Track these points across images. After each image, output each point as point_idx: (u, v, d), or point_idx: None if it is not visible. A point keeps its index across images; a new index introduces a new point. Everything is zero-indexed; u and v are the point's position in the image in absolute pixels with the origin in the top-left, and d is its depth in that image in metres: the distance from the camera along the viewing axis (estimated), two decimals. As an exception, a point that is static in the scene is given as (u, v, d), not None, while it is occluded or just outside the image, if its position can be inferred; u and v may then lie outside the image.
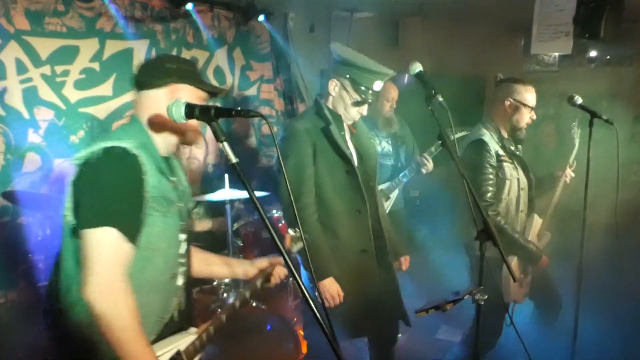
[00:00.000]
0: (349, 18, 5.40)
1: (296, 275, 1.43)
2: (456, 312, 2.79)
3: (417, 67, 2.45)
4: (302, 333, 3.38)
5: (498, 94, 3.13)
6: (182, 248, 1.87)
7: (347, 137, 2.80)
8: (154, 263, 1.72)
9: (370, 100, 2.67)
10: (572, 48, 3.97)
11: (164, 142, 1.78)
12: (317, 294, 2.54)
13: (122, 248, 1.58)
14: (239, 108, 1.49)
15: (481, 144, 3.01)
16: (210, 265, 2.16)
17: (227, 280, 3.23)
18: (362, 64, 2.63)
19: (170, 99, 1.66)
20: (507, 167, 3.04)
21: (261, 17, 4.77)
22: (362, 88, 2.63)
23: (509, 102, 3.05)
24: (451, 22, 5.19)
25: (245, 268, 2.15)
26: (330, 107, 2.73)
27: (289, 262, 1.43)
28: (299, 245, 2.15)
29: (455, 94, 2.40)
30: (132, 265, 1.64)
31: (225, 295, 3.21)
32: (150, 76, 1.75)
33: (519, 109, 3.05)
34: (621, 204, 3.01)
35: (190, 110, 1.52)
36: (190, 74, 1.77)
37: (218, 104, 1.62)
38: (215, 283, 3.24)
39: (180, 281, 1.86)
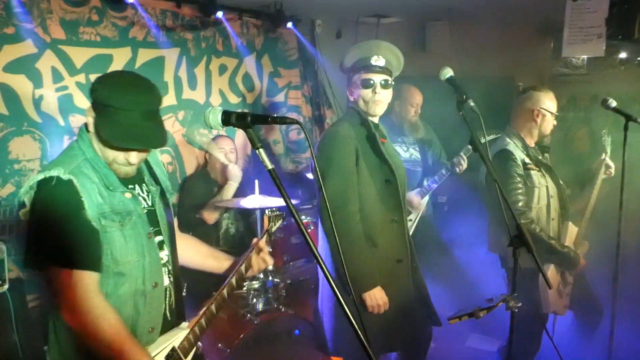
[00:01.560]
0: (376, 23, 5.40)
1: (332, 283, 1.41)
2: (487, 320, 2.78)
3: (448, 72, 2.44)
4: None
5: (522, 104, 3.12)
6: (161, 252, 1.86)
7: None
8: (130, 277, 1.73)
9: (375, 79, 2.62)
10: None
11: (114, 152, 1.72)
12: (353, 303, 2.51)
13: (80, 279, 1.60)
14: (275, 115, 1.51)
15: (507, 154, 3.01)
16: (205, 258, 2.20)
17: (255, 286, 3.25)
18: (352, 52, 2.67)
19: (88, 119, 1.69)
20: (535, 175, 3.01)
21: (289, 24, 4.82)
22: (362, 66, 2.62)
23: (536, 112, 3.06)
24: (478, 25, 5.16)
25: (221, 265, 2.19)
26: (373, 109, 2.68)
27: (325, 270, 1.42)
28: (278, 223, 2.27)
29: (483, 98, 2.39)
30: (106, 284, 1.68)
31: (254, 300, 3.23)
32: (96, 90, 1.67)
33: (545, 116, 3.07)
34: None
35: (227, 118, 1.53)
36: (105, 105, 1.64)
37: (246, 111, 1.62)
38: (245, 289, 3.26)
39: (166, 282, 1.86)
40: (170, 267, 1.91)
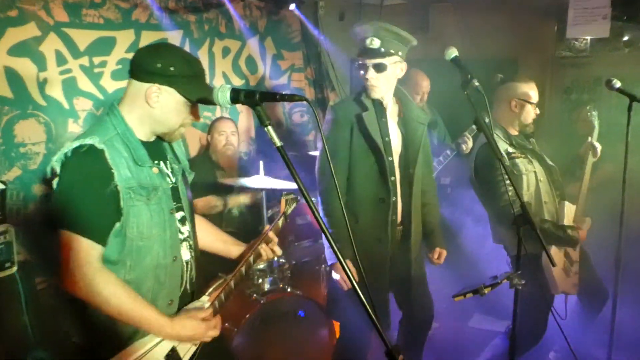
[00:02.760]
0: (379, 5, 5.37)
1: (344, 263, 1.45)
2: (491, 300, 2.81)
3: (453, 53, 2.45)
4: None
5: (501, 95, 3.16)
6: (183, 227, 1.92)
7: (391, 123, 2.80)
8: (152, 251, 1.78)
9: (368, 63, 2.66)
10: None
11: (145, 128, 1.82)
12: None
13: (88, 251, 1.66)
14: (283, 92, 1.52)
15: (490, 147, 3.01)
16: (214, 241, 2.23)
17: (261, 266, 3.28)
18: (355, 30, 2.72)
19: (149, 97, 1.74)
20: (521, 162, 3.05)
21: (292, 6, 4.80)
22: (360, 48, 2.68)
23: (514, 102, 3.10)
24: (482, 7, 5.12)
25: (240, 249, 2.22)
26: (369, 93, 2.74)
27: (335, 248, 1.45)
28: (293, 206, 2.32)
29: (487, 80, 2.40)
30: (130, 257, 1.74)
31: (260, 280, 3.26)
32: (139, 68, 1.76)
33: (524, 106, 3.11)
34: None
35: (236, 96, 1.55)
36: (177, 79, 1.75)
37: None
38: (250, 270, 3.28)
39: (186, 257, 1.92)
40: (191, 242, 1.97)
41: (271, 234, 2.18)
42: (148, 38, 3.91)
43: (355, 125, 2.71)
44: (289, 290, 3.25)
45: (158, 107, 1.77)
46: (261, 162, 3.31)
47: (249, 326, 3.02)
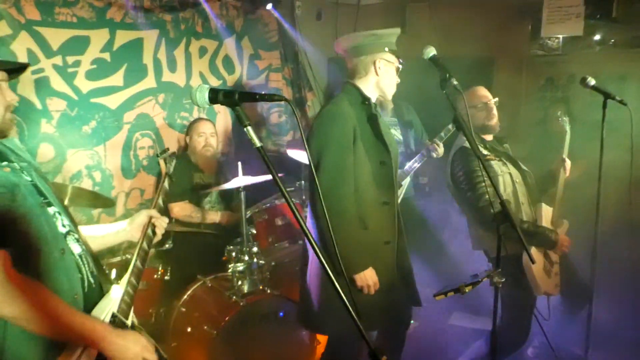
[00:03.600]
0: (356, 5, 5.38)
1: (324, 262, 1.40)
2: (472, 298, 2.82)
3: (431, 51, 2.47)
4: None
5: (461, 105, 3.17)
6: (60, 221, 1.79)
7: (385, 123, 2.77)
8: (36, 249, 1.66)
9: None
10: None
11: None
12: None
13: None
14: (263, 92, 1.50)
15: (464, 151, 3.10)
16: (102, 238, 2.10)
17: (240, 268, 3.24)
18: (391, 30, 2.72)
19: None
20: (496, 164, 3.10)
21: (269, 6, 4.77)
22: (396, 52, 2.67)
23: (480, 105, 3.18)
24: (458, 7, 5.17)
25: (129, 231, 2.11)
26: (364, 90, 2.67)
27: (316, 248, 1.42)
28: (174, 162, 2.34)
29: (462, 79, 2.42)
30: (22, 260, 1.60)
31: (239, 282, 3.23)
32: None
33: (486, 105, 3.19)
34: (636, 186, 3.02)
35: (214, 96, 1.52)
36: None
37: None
38: (230, 271, 3.26)
39: (76, 250, 1.80)
40: (76, 235, 1.84)
41: (152, 215, 2.11)
42: (123, 37, 3.84)
43: (362, 125, 2.60)
44: (268, 291, 3.23)
45: None
46: (239, 163, 3.28)
47: (228, 328, 2.99)
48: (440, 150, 3.58)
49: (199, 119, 3.99)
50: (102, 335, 1.67)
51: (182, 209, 3.71)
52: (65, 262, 1.72)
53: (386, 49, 2.65)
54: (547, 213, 3.16)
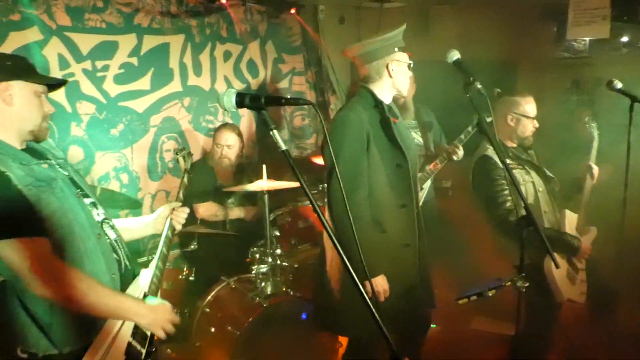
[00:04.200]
0: (379, 8, 5.39)
1: (347, 262, 1.42)
2: (493, 303, 2.80)
3: (455, 55, 2.46)
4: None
5: (498, 109, 3.14)
6: (97, 210, 1.97)
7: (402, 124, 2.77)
8: (74, 235, 1.82)
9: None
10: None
11: (12, 137, 1.82)
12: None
13: (31, 246, 1.68)
14: (289, 96, 1.53)
15: (486, 159, 3.06)
16: (130, 232, 2.26)
17: (264, 270, 3.28)
18: (400, 31, 2.66)
19: (4, 97, 1.77)
20: (519, 173, 3.05)
21: (292, 10, 4.82)
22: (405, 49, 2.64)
23: (510, 116, 3.12)
24: (481, 9, 5.13)
25: (154, 224, 2.28)
26: (379, 93, 2.67)
27: (341, 252, 1.44)
28: (189, 159, 2.48)
29: (486, 82, 2.41)
30: (56, 248, 1.76)
31: (262, 284, 3.26)
32: None
33: (520, 120, 3.12)
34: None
35: (241, 100, 1.56)
36: (20, 70, 1.82)
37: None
38: (253, 273, 3.30)
39: (112, 235, 1.99)
40: (111, 223, 2.04)
41: (170, 210, 2.27)
42: (150, 42, 3.92)
43: (375, 129, 2.59)
44: (291, 293, 3.25)
45: (16, 104, 1.80)
46: (264, 166, 3.31)
47: (251, 329, 3.02)
48: (460, 153, 3.54)
49: (222, 127, 3.92)
50: (135, 309, 1.88)
51: (207, 209, 3.76)
52: (102, 245, 1.91)
53: (396, 49, 2.64)
54: (571, 219, 3.11)
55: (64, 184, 1.86)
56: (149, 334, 1.96)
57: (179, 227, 2.29)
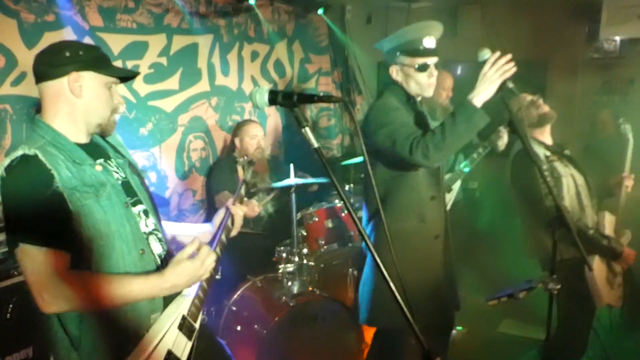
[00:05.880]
0: (407, 8, 5.37)
1: (376, 257, 1.43)
2: (523, 306, 2.75)
3: (486, 54, 2.43)
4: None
5: (527, 112, 3.09)
6: (146, 220, 1.84)
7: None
8: (115, 248, 1.70)
9: (429, 62, 2.60)
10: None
11: (78, 129, 1.74)
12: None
13: (50, 260, 1.57)
14: (321, 93, 1.52)
15: (525, 152, 2.97)
16: (188, 238, 2.14)
17: (290, 269, 3.29)
18: (401, 33, 2.62)
19: (72, 88, 1.68)
20: (559, 165, 2.99)
21: (319, 10, 4.83)
22: (414, 49, 2.58)
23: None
24: (511, 8, 5.07)
25: (207, 234, 2.14)
26: (423, 92, 2.67)
27: (370, 246, 1.44)
28: (251, 169, 2.36)
29: (516, 83, 2.37)
30: (94, 259, 1.65)
31: (289, 283, 3.27)
32: (48, 66, 1.69)
33: (530, 106, 3.09)
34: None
35: (274, 97, 1.56)
36: (92, 61, 1.71)
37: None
38: (279, 272, 3.31)
39: (157, 250, 1.85)
40: (160, 235, 1.90)
41: (234, 210, 2.13)
42: (179, 42, 3.96)
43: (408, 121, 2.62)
44: (317, 293, 3.25)
45: (85, 96, 1.70)
46: (291, 165, 3.32)
47: (277, 329, 3.02)
48: (506, 138, 3.44)
49: (249, 121, 4.03)
50: (161, 286, 1.69)
51: (223, 196, 3.70)
52: (143, 261, 1.78)
53: (398, 53, 2.62)
54: (610, 221, 3.03)
55: (113, 191, 1.74)
56: (197, 325, 1.86)
57: (237, 227, 2.15)
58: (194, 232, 2.17)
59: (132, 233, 1.76)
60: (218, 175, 3.86)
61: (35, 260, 1.56)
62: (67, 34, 3.32)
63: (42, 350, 1.73)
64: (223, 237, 2.04)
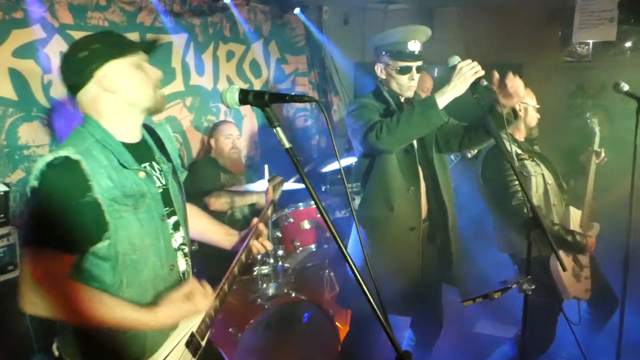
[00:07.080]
0: (384, 10, 5.38)
1: (345, 252, 1.42)
2: (497, 306, 2.78)
3: (455, 60, 2.49)
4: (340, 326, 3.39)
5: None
6: (176, 234, 1.80)
7: None
8: (148, 263, 1.66)
9: (412, 65, 2.69)
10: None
11: (126, 126, 1.69)
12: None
13: (59, 265, 1.53)
14: (293, 93, 1.50)
15: (497, 149, 3.04)
16: (205, 232, 2.20)
17: (265, 271, 3.26)
18: (389, 34, 2.71)
19: (104, 87, 1.62)
20: (529, 164, 3.07)
21: (296, 10, 4.80)
22: (398, 52, 2.67)
23: (518, 106, 3.12)
24: (487, 12, 5.12)
25: (232, 240, 2.19)
26: (387, 89, 2.80)
27: (340, 243, 1.42)
28: (280, 189, 2.36)
29: (489, 81, 2.43)
30: (126, 272, 1.62)
31: (264, 285, 3.24)
32: (70, 75, 1.63)
33: (527, 110, 3.20)
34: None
35: (244, 97, 1.53)
36: (107, 49, 1.63)
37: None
38: (255, 274, 3.27)
39: (182, 267, 1.82)
40: (185, 251, 1.85)
41: (261, 226, 2.13)
42: (152, 41, 3.89)
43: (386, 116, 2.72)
44: (293, 295, 3.22)
45: (119, 87, 1.63)
46: (266, 166, 3.28)
47: (253, 331, 2.99)
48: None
49: (224, 122, 4.00)
50: (149, 324, 1.62)
51: (216, 199, 3.68)
52: (172, 277, 1.75)
53: (383, 52, 2.73)
54: (575, 216, 3.12)
55: (153, 202, 1.69)
56: (203, 343, 1.80)
57: (257, 252, 2.16)
58: (221, 234, 2.21)
59: (166, 247, 1.73)
60: (203, 177, 3.76)
61: (51, 262, 1.51)
62: (36, 32, 3.24)
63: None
64: (243, 257, 2.03)
